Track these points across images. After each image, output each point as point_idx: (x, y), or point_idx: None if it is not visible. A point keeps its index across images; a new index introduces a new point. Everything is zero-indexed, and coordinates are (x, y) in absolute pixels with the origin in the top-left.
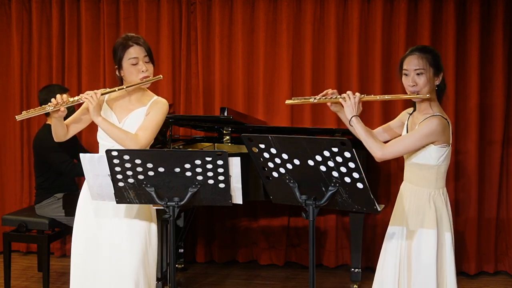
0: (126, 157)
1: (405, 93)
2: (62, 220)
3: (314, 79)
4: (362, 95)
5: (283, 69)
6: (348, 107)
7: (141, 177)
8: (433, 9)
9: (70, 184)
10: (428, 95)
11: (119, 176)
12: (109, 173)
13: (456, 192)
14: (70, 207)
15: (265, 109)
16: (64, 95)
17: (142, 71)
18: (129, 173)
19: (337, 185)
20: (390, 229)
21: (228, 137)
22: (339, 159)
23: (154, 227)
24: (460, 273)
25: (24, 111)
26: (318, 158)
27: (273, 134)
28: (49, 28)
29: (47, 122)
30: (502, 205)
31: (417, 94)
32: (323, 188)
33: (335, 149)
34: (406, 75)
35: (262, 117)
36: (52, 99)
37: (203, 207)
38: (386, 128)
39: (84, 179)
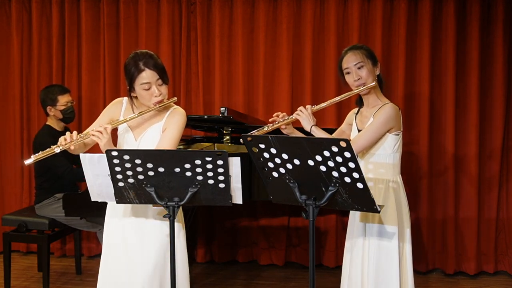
0: (126, 157)
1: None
2: (62, 220)
3: (314, 79)
4: (313, 106)
5: (283, 69)
6: (304, 119)
7: (141, 177)
8: (433, 9)
9: (70, 184)
10: (374, 83)
11: (119, 176)
12: (109, 173)
13: (456, 192)
14: (70, 207)
15: (265, 109)
16: (74, 132)
17: (155, 96)
18: (129, 173)
19: (337, 185)
20: (348, 227)
21: (228, 137)
22: (339, 159)
23: (179, 226)
24: (460, 273)
25: (33, 155)
26: (318, 158)
27: (273, 134)
28: (49, 28)
29: (47, 123)
30: (502, 205)
31: (364, 86)
32: (323, 188)
33: (335, 149)
34: (348, 73)
35: (262, 117)
36: (61, 138)
37: (203, 207)
38: (339, 133)
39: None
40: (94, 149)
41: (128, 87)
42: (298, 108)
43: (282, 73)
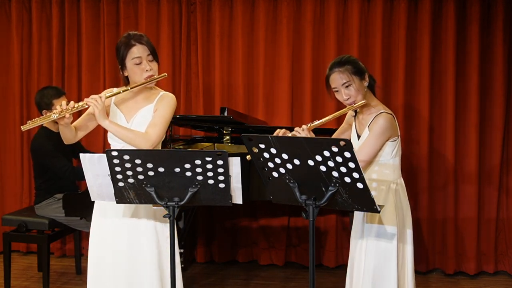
0: (126, 157)
1: (345, 106)
2: (62, 220)
3: (314, 79)
4: (308, 125)
5: (283, 69)
6: None
7: (141, 177)
8: (433, 9)
9: (70, 184)
10: (364, 101)
11: (119, 176)
12: (109, 173)
13: (456, 192)
14: (70, 207)
15: (265, 109)
16: (71, 102)
17: (147, 70)
18: (129, 173)
19: (337, 185)
20: (353, 226)
21: (228, 137)
22: (339, 159)
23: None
24: (460, 273)
25: (29, 121)
26: (318, 158)
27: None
28: (49, 28)
29: (44, 125)
30: (502, 205)
31: (354, 103)
32: (323, 188)
33: (335, 149)
34: (337, 91)
35: (262, 117)
36: (57, 106)
37: (203, 207)
38: (339, 134)
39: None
40: (90, 142)
41: (120, 67)
42: (295, 129)
43: (282, 73)
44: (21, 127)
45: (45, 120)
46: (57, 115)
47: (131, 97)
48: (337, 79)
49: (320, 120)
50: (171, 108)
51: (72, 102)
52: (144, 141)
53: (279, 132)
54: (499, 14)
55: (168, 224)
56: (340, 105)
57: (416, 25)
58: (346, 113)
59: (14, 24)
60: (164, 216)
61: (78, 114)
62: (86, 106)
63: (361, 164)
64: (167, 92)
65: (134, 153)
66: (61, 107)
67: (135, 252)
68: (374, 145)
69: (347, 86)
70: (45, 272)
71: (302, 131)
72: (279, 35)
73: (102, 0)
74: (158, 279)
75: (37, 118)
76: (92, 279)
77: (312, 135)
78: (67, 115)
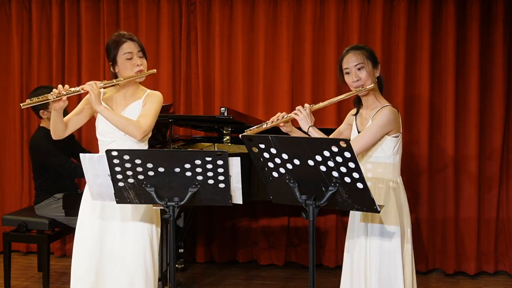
0: (126, 157)
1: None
2: (62, 220)
3: (314, 79)
4: (311, 105)
5: (283, 69)
6: (302, 119)
7: (141, 177)
8: (433, 9)
9: (69, 184)
10: (373, 85)
11: (119, 176)
12: (109, 173)
13: (456, 192)
14: (70, 207)
15: (265, 109)
16: (66, 85)
17: (137, 65)
18: (129, 173)
19: (337, 185)
20: (349, 226)
21: (228, 137)
22: (339, 159)
23: (158, 229)
24: (460, 273)
25: (28, 99)
26: (318, 158)
27: (273, 134)
28: (49, 28)
29: (41, 125)
30: (502, 205)
31: (362, 87)
32: (323, 188)
33: (335, 149)
34: (348, 73)
35: (262, 117)
36: (54, 89)
37: (203, 207)
38: (336, 135)
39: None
40: (90, 142)
41: (110, 63)
42: (297, 107)
43: (282, 73)
44: (20, 104)
45: (43, 100)
46: (54, 96)
47: (119, 94)
48: (352, 59)
49: (324, 102)
50: (159, 103)
51: (67, 86)
52: (136, 129)
53: (279, 115)
54: (499, 14)
55: (158, 227)
56: (341, 103)
57: (416, 25)
58: (351, 97)
59: (14, 24)
60: (163, 217)
61: (75, 103)
62: (83, 92)
63: (355, 150)
64: (154, 90)
65: (134, 153)
66: (58, 89)
67: (122, 253)
68: (373, 135)
69: (359, 68)
70: (45, 272)
71: (304, 110)
72: (279, 35)
73: (102, 0)
74: (144, 278)
75: (34, 98)
76: (77, 279)
77: (312, 118)
78: (64, 98)
